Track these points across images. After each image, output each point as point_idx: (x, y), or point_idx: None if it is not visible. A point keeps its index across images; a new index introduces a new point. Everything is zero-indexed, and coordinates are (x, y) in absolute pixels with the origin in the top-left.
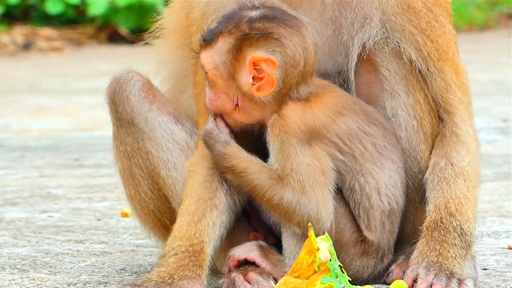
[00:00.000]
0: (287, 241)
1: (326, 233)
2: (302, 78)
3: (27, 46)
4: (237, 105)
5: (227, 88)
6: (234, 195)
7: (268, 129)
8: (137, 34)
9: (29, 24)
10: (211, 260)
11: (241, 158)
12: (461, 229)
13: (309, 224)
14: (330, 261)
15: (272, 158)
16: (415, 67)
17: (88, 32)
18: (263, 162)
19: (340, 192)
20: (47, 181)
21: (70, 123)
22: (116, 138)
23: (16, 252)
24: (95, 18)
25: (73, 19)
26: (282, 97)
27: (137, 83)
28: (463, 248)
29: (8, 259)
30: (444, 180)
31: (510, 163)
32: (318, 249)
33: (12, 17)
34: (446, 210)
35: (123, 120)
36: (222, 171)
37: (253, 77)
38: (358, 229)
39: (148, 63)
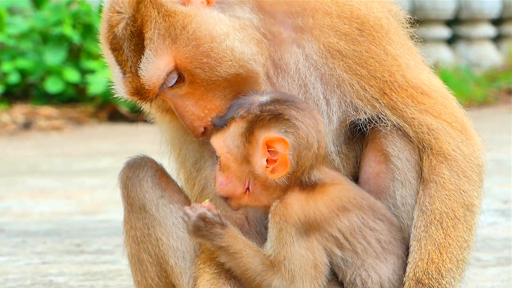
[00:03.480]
0: None
1: None
2: (316, 161)
3: (27, 125)
4: (247, 189)
5: (240, 171)
6: None
7: (269, 214)
8: (137, 113)
9: (29, 103)
10: None
11: (238, 239)
12: None
13: None
14: None
15: (268, 243)
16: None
17: (88, 111)
18: (259, 248)
19: (342, 285)
20: (48, 268)
21: (71, 205)
22: (126, 223)
23: None
24: (95, 97)
25: (73, 98)
26: (295, 180)
27: (150, 169)
28: None
29: None
30: (415, 239)
31: (511, 247)
32: None
33: (12, 96)
34: (413, 278)
35: (135, 205)
36: (216, 253)
37: (267, 160)
38: None
39: (147, 142)
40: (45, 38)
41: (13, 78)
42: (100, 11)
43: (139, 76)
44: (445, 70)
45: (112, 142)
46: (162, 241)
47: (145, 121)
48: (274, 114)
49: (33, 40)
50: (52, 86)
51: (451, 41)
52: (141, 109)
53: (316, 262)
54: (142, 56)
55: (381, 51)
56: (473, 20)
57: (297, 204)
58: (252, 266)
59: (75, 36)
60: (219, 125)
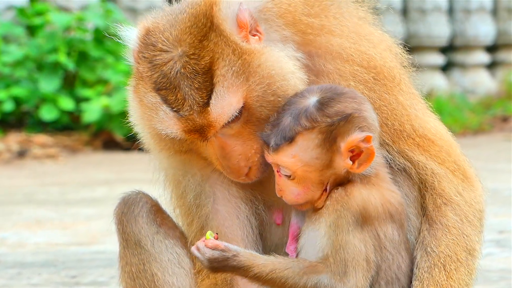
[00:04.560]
0: None
1: None
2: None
3: (22, 154)
4: (325, 189)
5: (321, 177)
6: None
7: (328, 201)
8: (132, 141)
9: (23, 131)
10: None
11: (261, 262)
12: None
13: None
14: None
15: (321, 231)
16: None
17: (83, 139)
18: (285, 257)
19: None
20: None
21: (67, 236)
22: (122, 258)
23: None
24: (90, 125)
25: (67, 126)
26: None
27: (145, 205)
28: None
29: None
30: (417, 279)
31: (508, 279)
32: None
33: (7, 124)
34: None
35: (130, 241)
36: (245, 278)
37: (350, 158)
38: None
39: (142, 171)
40: (40, 66)
41: (8, 106)
42: (97, 39)
43: (206, 113)
44: (440, 97)
45: (107, 170)
46: (158, 277)
47: (139, 149)
48: (343, 117)
49: (28, 68)
50: (47, 114)
51: (446, 68)
52: (137, 138)
53: (368, 256)
54: (208, 93)
55: (393, 100)
56: (468, 47)
57: (360, 195)
58: (291, 274)
59: (69, 63)
60: (282, 142)
